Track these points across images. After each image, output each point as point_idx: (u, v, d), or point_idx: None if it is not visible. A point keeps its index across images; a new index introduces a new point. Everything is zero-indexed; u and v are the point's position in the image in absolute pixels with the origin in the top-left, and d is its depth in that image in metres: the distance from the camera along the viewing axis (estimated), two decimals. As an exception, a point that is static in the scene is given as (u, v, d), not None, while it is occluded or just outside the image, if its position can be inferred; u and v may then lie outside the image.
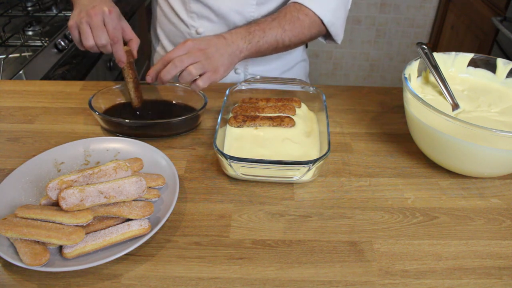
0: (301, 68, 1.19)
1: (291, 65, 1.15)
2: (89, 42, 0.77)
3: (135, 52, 0.84)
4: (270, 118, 0.79)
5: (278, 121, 0.79)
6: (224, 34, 0.84)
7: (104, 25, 0.77)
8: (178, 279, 0.57)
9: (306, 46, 1.23)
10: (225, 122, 0.80)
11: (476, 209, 0.68)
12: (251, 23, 0.89)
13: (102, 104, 0.86)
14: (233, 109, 0.84)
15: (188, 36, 1.06)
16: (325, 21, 0.94)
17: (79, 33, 0.78)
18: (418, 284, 0.56)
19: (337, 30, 0.98)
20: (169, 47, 1.12)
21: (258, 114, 0.81)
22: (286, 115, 0.81)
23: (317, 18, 0.93)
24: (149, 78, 0.82)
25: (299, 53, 1.16)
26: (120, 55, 0.81)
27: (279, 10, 0.93)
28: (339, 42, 1.01)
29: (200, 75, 0.80)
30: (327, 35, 1.01)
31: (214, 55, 0.79)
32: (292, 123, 0.79)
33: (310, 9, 0.92)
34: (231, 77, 1.11)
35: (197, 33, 1.04)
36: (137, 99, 0.87)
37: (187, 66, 0.77)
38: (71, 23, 0.78)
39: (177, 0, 1.02)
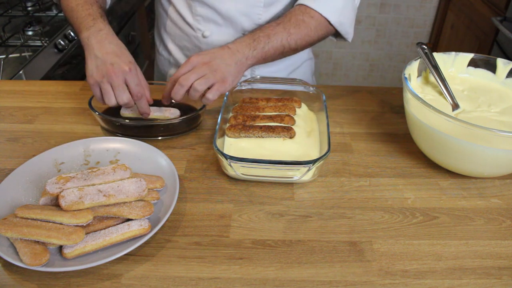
0: (307, 67, 1.19)
1: (298, 64, 1.15)
2: (111, 101, 0.77)
3: (150, 98, 0.84)
4: (270, 117, 0.79)
5: (278, 120, 0.79)
6: (229, 44, 0.84)
7: (126, 83, 0.77)
8: (178, 279, 0.57)
9: None
10: (225, 121, 0.80)
11: (476, 209, 0.68)
12: (255, 30, 0.89)
13: (102, 104, 0.86)
14: (233, 109, 0.84)
15: (195, 40, 1.05)
16: (332, 22, 0.92)
17: (101, 91, 0.77)
18: (418, 284, 0.56)
19: (346, 29, 0.96)
20: (175, 50, 1.11)
21: (258, 114, 0.81)
22: (286, 113, 0.81)
23: (323, 19, 0.92)
24: (164, 101, 0.83)
25: (304, 52, 1.16)
26: (145, 109, 0.81)
27: (285, 14, 0.92)
28: (350, 40, 0.99)
29: (208, 88, 0.79)
30: (337, 34, 0.99)
31: (220, 66, 0.79)
32: (292, 121, 0.79)
33: (316, 11, 0.90)
34: None
35: (204, 36, 1.02)
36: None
37: (193, 83, 0.77)
38: (91, 81, 0.77)
39: (182, 3, 1.01)
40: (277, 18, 0.92)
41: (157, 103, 0.89)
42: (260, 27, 0.90)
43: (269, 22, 1.02)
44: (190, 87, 0.77)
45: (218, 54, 0.81)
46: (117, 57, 0.77)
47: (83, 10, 0.85)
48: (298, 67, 1.15)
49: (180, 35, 1.07)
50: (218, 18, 1.00)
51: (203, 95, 0.79)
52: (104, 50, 0.77)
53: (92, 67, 0.77)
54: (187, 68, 0.79)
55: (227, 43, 1.03)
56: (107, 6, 1.00)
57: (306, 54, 1.17)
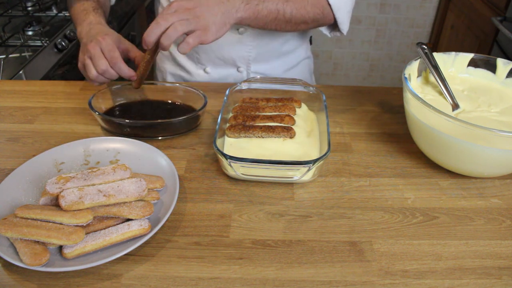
0: (305, 66, 1.18)
1: (295, 63, 1.14)
2: (91, 72, 0.77)
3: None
4: (270, 117, 0.79)
5: (278, 120, 0.79)
6: None
7: (102, 52, 0.78)
8: (178, 279, 0.57)
9: (311, 43, 1.22)
10: (225, 121, 0.80)
11: (476, 209, 0.68)
12: None
13: (102, 104, 0.86)
14: (233, 109, 0.84)
15: None
16: (331, 2, 0.90)
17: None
18: (418, 284, 0.56)
19: (343, 17, 0.93)
20: (172, 46, 1.12)
21: (258, 114, 0.81)
22: (286, 113, 0.81)
23: None
24: (144, 44, 0.77)
25: (302, 50, 1.15)
26: (125, 72, 0.79)
27: None
28: (345, 31, 0.96)
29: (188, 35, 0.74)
30: (332, 26, 0.97)
31: (204, 14, 0.73)
32: (292, 122, 0.79)
33: None
34: (233, 76, 1.10)
35: None
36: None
37: (173, 23, 0.71)
38: (79, 66, 0.81)
39: None
40: None
41: (159, 104, 0.89)
42: None
43: None
44: (168, 28, 0.71)
45: (204, 1, 0.75)
46: (96, 34, 0.80)
47: (79, 6, 0.91)
48: (295, 65, 1.15)
49: None
50: None
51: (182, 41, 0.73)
52: (89, 35, 0.82)
53: (80, 54, 0.82)
54: (167, 12, 0.73)
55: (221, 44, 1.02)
56: (112, 3, 1.04)
57: (304, 52, 1.17)
